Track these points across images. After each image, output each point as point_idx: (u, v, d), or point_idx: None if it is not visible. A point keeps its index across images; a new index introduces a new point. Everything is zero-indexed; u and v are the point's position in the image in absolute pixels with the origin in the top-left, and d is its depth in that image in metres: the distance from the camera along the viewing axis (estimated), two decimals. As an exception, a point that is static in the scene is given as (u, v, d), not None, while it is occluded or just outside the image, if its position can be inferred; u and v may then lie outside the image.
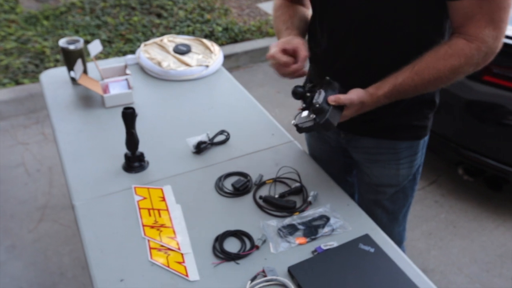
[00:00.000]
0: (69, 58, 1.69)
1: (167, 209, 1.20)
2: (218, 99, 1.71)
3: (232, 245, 1.10)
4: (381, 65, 1.10)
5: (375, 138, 1.30)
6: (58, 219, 2.35)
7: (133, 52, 3.61)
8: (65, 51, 1.68)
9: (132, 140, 1.30)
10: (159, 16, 4.22)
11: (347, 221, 1.16)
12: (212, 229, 1.13)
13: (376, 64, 1.13)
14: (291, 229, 1.13)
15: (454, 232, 2.38)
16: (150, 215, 1.18)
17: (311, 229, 1.13)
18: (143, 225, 1.15)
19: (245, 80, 3.55)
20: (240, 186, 1.26)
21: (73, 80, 1.74)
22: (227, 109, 1.64)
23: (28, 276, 2.05)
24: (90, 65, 1.79)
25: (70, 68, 1.71)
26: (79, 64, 1.63)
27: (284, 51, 1.14)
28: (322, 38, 1.21)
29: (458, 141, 2.41)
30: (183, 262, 1.05)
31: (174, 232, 1.13)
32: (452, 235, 2.36)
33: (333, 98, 1.07)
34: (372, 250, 1.07)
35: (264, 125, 1.56)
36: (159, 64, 1.80)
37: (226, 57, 3.38)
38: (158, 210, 1.20)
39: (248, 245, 1.09)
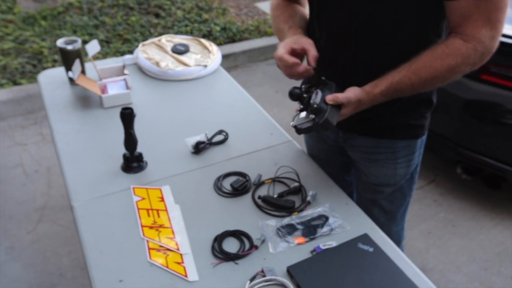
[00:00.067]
0: (67, 58, 1.69)
1: (166, 210, 1.20)
2: (217, 99, 1.71)
3: (231, 245, 1.10)
4: (380, 65, 1.10)
5: (372, 137, 1.30)
6: (56, 220, 2.34)
7: (131, 52, 3.61)
8: (63, 51, 1.68)
9: (130, 141, 1.30)
10: (157, 16, 4.22)
11: (346, 221, 1.16)
12: (211, 229, 1.13)
13: (374, 64, 1.13)
14: (290, 229, 1.13)
15: (453, 231, 2.38)
16: (149, 215, 1.18)
17: (310, 229, 1.13)
18: (142, 226, 1.15)
19: (244, 80, 3.55)
20: (239, 186, 1.26)
21: (71, 80, 1.74)
22: (225, 109, 1.64)
23: (27, 277, 2.05)
24: (88, 65, 1.79)
25: (68, 68, 1.70)
26: (77, 65, 1.63)
27: (292, 51, 1.14)
28: (320, 37, 1.21)
29: (457, 140, 2.41)
30: (182, 262, 1.05)
31: (173, 232, 1.13)
32: (451, 234, 2.36)
33: (331, 97, 1.07)
34: (371, 249, 1.07)
35: (262, 124, 1.56)
36: (157, 64, 1.80)
37: (224, 57, 3.38)
38: (157, 210, 1.20)
39: (247, 245, 1.09)
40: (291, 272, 1.01)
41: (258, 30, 4.23)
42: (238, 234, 1.12)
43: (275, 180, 1.30)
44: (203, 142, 1.41)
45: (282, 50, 1.13)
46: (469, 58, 1.03)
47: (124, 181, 1.29)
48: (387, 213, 1.44)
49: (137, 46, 2.49)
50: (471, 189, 2.64)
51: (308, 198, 1.22)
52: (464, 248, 2.28)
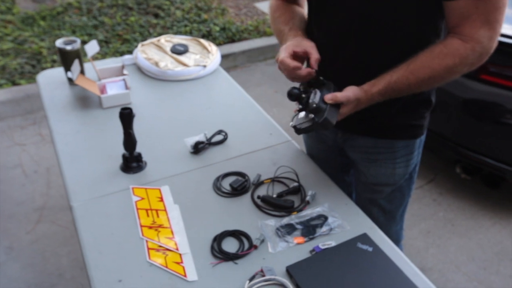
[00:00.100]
0: (66, 59, 1.69)
1: (165, 210, 1.20)
2: (216, 99, 1.71)
3: (230, 245, 1.10)
4: (379, 65, 1.10)
5: (371, 137, 1.30)
6: (56, 220, 2.34)
7: (130, 52, 3.61)
8: (62, 52, 1.68)
9: (129, 141, 1.30)
10: (156, 16, 4.22)
11: (345, 221, 1.16)
12: (210, 229, 1.13)
13: (374, 64, 1.13)
14: (289, 229, 1.13)
15: (452, 230, 2.39)
16: (148, 215, 1.18)
17: (309, 229, 1.13)
18: (141, 226, 1.15)
19: (243, 80, 3.55)
20: (238, 186, 1.26)
21: (70, 80, 1.73)
22: (224, 109, 1.64)
23: (26, 277, 2.05)
24: (87, 66, 1.79)
25: (67, 68, 1.70)
26: (76, 65, 1.63)
27: (294, 54, 1.14)
28: (319, 37, 1.21)
29: (456, 140, 2.42)
30: (181, 262, 1.05)
31: (172, 232, 1.13)
32: (450, 234, 2.36)
33: (330, 97, 1.07)
34: (370, 249, 1.07)
35: (262, 125, 1.56)
36: (156, 64, 1.80)
37: (224, 57, 3.38)
38: (156, 210, 1.20)
39: (246, 245, 1.09)
40: (290, 272, 1.01)
41: (257, 30, 4.23)
42: (237, 234, 1.12)
43: (274, 180, 1.30)
44: (202, 142, 1.41)
45: (283, 54, 1.13)
46: (467, 58, 1.03)
47: (123, 181, 1.29)
48: (386, 212, 1.44)
49: (136, 46, 2.49)
50: (470, 188, 2.64)
51: (307, 198, 1.23)
52: (463, 248, 2.28)
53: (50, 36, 3.75)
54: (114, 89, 1.67)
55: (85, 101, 1.66)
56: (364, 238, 1.10)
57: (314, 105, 1.06)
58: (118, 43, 3.78)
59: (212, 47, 1.95)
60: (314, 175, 1.33)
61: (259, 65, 3.98)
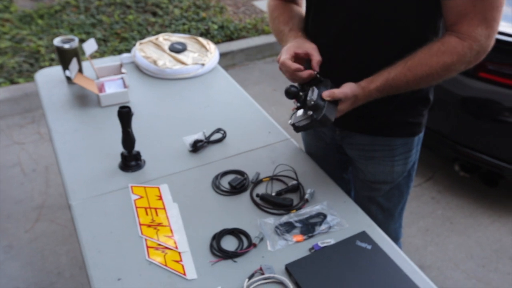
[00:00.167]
0: (64, 57, 1.68)
1: (164, 208, 1.20)
2: (214, 97, 1.70)
3: (229, 243, 1.10)
4: (378, 64, 1.11)
5: (370, 135, 1.30)
6: (54, 218, 2.34)
7: (128, 50, 3.60)
8: (60, 50, 1.68)
9: (128, 139, 1.30)
10: (154, 14, 4.21)
11: (344, 218, 1.16)
12: (209, 227, 1.13)
13: (373, 63, 1.13)
14: (288, 227, 1.13)
15: (451, 228, 2.39)
16: (147, 214, 1.18)
17: (308, 227, 1.13)
18: (140, 224, 1.15)
19: (241, 78, 3.54)
20: (237, 184, 1.26)
21: (68, 79, 1.73)
22: (223, 107, 1.64)
23: (26, 276, 2.05)
24: (85, 64, 1.79)
25: (65, 67, 1.70)
26: (74, 63, 1.63)
27: (296, 55, 1.14)
28: (317, 36, 1.21)
29: (454, 138, 2.42)
30: (181, 260, 1.05)
31: (171, 230, 1.13)
32: (448, 231, 2.37)
33: (327, 93, 1.07)
34: (369, 247, 1.08)
35: (260, 123, 1.56)
36: (154, 62, 1.80)
37: (222, 55, 3.38)
38: (155, 209, 1.20)
39: (246, 243, 1.09)
40: (289, 270, 1.01)
41: (256, 29, 4.23)
42: (236, 232, 1.12)
43: (273, 178, 1.30)
44: (201, 141, 1.41)
45: (285, 55, 1.13)
46: (464, 56, 1.03)
47: (122, 179, 1.29)
48: (385, 210, 1.44)
49: (134, 45, 2.49)
50: (469, 186, 2.65)
51: (306, 196, 1.23)
52: (462, 245, 2.29)
53: (48, 34, 3.74)
54: (112, 87, 1.67)
55: (84, 99, 1.65)
56: (363, 236, 1.11)
57: (312, 103, 1.06)
58: (116, 41, 3.77)
59: (211, 45, 1.95)
60: (313, 173, 1.33)
61: (257, 64, 3.98)
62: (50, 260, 2.12)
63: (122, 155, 1.32)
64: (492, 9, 0.99)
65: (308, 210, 1.19)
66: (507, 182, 2.51)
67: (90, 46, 1.69)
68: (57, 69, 1.80)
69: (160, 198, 1.23)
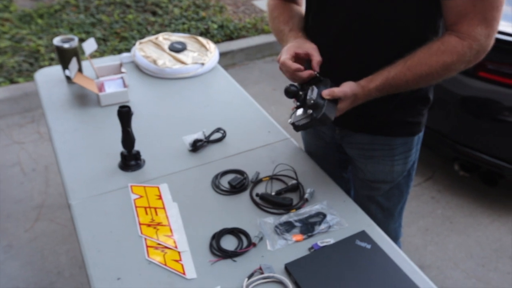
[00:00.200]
0: (64, 57, 1.68)
1: (163, 208, 1.20)
2: (214, 97, 1.70)
3: (229, 242, 1.10)
4: (378, 64, 1.11)
5: (369, 134, 1.30)
6: (54, 218, 2.34)
7: (128, 50, 3.60)
8: (59, 50, 1.68)
9: (128, 139, 1.30)
10: (154, 14, 4.21)
11: (343, 218, 1.16)
12: (209, 227, 1.13)
13: (373, 63, 1.13)
14: (288, 226, 1.13)
15: (451, 227, 2.39)
16: (146, 213, 1.18)
17: (308, 226, 1.13)
18: (140, 224, 1.15)
19: (241, 78, 3.54)
20: (236, 184, 1.26)
21: (68, 78, 1.73)
22: (223, 107, 1.64)
23: (25, 275, 2.05)
24: (85, 64, 1.79)
25: (65, 66, 1.70)
26: (74, 63, 1.63)
27: (296, 56, 1.14)
28: (317, 36, 1.21)
29: (454, 137, 2.42)
30: (180, 260, 1.05)
31: (171, 230, 1.13)
32: (448, 231, 2.37)
33: (327, 92, 1.07)
34: (368, 246, 1.08)
35: (260, 122, 1.56)
36: (154, 62, 1.80)
37: (222, 55, 3.38)
38: (155, 208, 1.20)
39: (245, 243, 1.09)
40: (289, 269, 1.01)
41: (256, 28, 4.23)
42: (236, 232, 1.12)
43: (272, 177, 1.30)
44: (200, 140, 1.41)
45: (285, 55, 1.13)
46: (464, 56, 1.03)
47: (122, 179, 1.29)
48: (385, 210, 1.44)
49: (134, 44, 2.49)
50: (469, 186, 2.65)
51: (306, 196, 1.23)
52: (462, 245, 2.29)
53: (47, 34, 3.74)
54: (112, 87, 1.67)
55: (83, 99, 1.65)
56: (363, 235, 1.11)
57: (312, 101, 1.06)
58: (116, 41, 3.77)
59: (210, 45, 1.95)
60: (313, 173, 1.33)
61: (257, 63, 3.98)
62: (49, 260, 2.12)
63: (122, 154, 1.32)
64: (492, 9, 0.99)
65: (307, 210, 1.19)
66: (507, 182, 2.51)
67: (90, 45, 1.69)
68: (57, 69, 1.80)
69: (160, 197, 1.23)
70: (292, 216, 1.17)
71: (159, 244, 1.09)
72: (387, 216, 1.46)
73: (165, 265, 1.04)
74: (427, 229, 2.38)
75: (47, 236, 2.24)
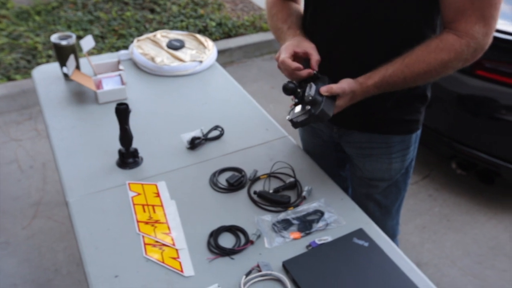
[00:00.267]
0: (62, 54, 1.68)
1: (161, 205, 1.20)
2: (212, 94, 1.70)
3: (226, 240, 1.10)
4: (376, 61, 1.11)
5: (367, 132, 1.30)
6: (52, 215, 2.34)
7: (126, 47, 3.59)
8: (57, 47, 1.67)
9: (126, 136, 1.30)
10: (152, 11, 4.20)
11: (341, 216, 1.17)
12: (206, 224, 1.13)
13: (371, 60, 1.13)
14: (286, 224, 1.14)
15: (448, 225, 2.40)
16: (144, 211, 1.18)
17: (306, 224, 1.14)
18: (138, 221, 1.15)
19: (239, 76, 3.54)
20: (234, 182, 1.26)
21: (66, 76, 1.73)
22: (221, 104, 1.64)
23: (23, 272, 2.04)
24: (82, 61, 1.78)
25: (63, 64, 1.70)
26: (71, 60, 1.62)
27: (295, 54, 1.14)
28: (315, 33, 1.21)
29: (451, 135, 2.43)
30: (178, 257, 1.05)
31: (168, 227, 1.13)
32: (445, 229, 2.38)
33: (325, 89, 1.07)
34: (366, 244, 1.08)
35: (258, 120, 1.56)
36: (152, 59, 1.79)
37: (220, 52, 3.37)
38: (153, 206, 1.20)
39: (243, 240, 1.09)
40: (286, 267, 1.02)
41: (254, 26, 4.22)
42: (233, 230, 1.12)
43: (270, 175, 1.31)
44: (198, 138, 1.41)
45: (284, 54, 1.13)
46: (462, 53, 1.03)
47: (120, 176, 1.29)
48: (382, 207, 1.45)
49: (132, 42, 2.48)
50: (466, 184, 2.65)
51: (304, 193, 1.23)
52: (459, 243, 2.30)
53: (45, 31, 3.72)
54: (110, 84, 1.67)
55: (81, 96, 1.65)
56: (360, 233, 1.11)
57: (310, 98, 1.07)
58: (114, 38, 3.76)
59: (209, 42, 1.94)
60: (310, 171, 1.33)
61: (255, 61, 3.97)
62: (47, 257, 2.12)
63: (120, 152, 1.32)
64: (490, 7, 0.99)
65: (305, 208, 1.19)
66: (503, 180, 2.52)
67: (88, 42, 1.68)
68: (55, 66, 1.79)
69: (158, 195, 1.23)
70: (289, 214, 1.17)
71: (156, 241, 1.09)
72: (385, 213, 1.46)
73: (163, 262, 1.04)
74: (424, 227, 2.38)
75: (45, 234, 2.24)
